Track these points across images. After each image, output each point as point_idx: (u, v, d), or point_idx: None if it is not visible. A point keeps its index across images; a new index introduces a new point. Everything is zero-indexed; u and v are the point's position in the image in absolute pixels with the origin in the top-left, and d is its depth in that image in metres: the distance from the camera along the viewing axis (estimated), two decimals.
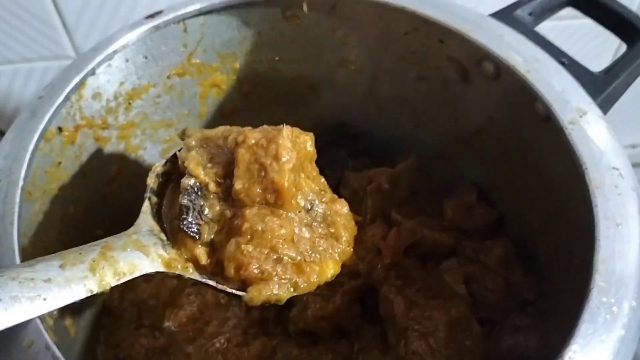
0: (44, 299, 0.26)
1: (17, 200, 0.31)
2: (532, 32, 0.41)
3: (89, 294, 0.28)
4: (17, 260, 0.29)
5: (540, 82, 0.35)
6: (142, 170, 0.46)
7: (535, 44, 0.38)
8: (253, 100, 0.49)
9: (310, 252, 0.33)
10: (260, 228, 0.32)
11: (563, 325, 0.28)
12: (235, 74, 0.47)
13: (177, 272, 0.32)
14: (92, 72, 0.38)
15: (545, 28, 0.44)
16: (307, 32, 0.45)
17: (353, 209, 0.36)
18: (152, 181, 0.36)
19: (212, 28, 0.43)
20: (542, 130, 0.38)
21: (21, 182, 0.31)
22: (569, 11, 0.45)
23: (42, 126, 0.34)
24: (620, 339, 0.26)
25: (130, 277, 0.30)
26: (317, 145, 0.39)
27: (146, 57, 0.41)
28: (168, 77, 0.43)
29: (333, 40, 0.46)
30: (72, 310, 0.40)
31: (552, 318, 0.35)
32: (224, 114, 0.48)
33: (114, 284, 0.29)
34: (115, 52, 0.38)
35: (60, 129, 0.37)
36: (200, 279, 0.33)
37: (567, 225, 0.34)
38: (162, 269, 0.32)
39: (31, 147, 0.33)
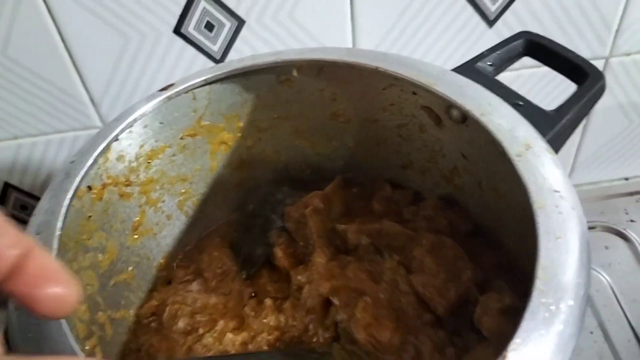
0: None
1: (55, 247, 0.37)
2: (493, 81, 0.48)
3: None
4: None
5: (492, 124, 0.41)
6: (160, 220, 0.53)
7: (491, 92, 0.45)
8: (257, 153, 0.56)
9: None
10: None
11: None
12: (240, 132, 0.54)
13: None
14: (116, 139, 0.45)
15: (510, 77, 0.51)
16: (300, 92, 0.52)
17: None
18: None
19: (217, 95, 0.50)
20: (503, 164, 0.44)
21: (57, 232, 0.38)
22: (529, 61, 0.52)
23: (74, 185, 0.41)
24: (559, 333, 0.31)
25: None
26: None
27: (162, 123, 0.48)
28: (181, 138, 0.50)
29: (323, 98, 0.53)
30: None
31: None
32: (232, 167, 0.55)
33: None
34: (134, 120, 0.45)
35: (89, 188, 0.44)
36: None
37: (526, 242, 0.40)
38: None
39: (66, 202, 0.40)
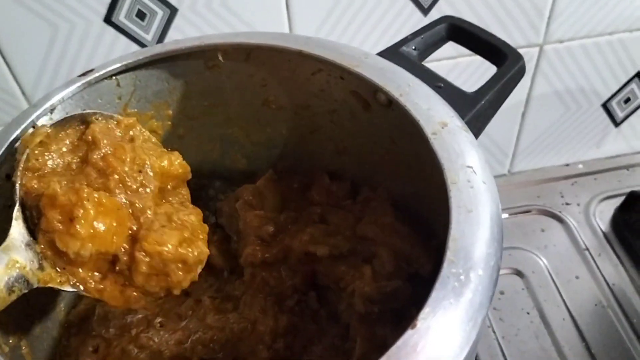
0: None
1: None
2: (417, 65, 0.48)
3: None
4: None
5: (410, 103, 0.41)
6: None
7: (413, 74, 0.45)
8: (190, 142, 0.55)
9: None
10: None
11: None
12: (169, 120, 0.53)
13: (54, 286, 0.37)
14: (33, 125, 0.44)
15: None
16: (229, 78, 0.52)
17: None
18: (19, 179, 0.38)
19: (142, 81, 0.49)
20: (428, 146, 0.44)
21: None
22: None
23: None
24: (469, 301, 0.32)
25: (10, 301, 0.34)
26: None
27: (83, 110, 0.48)
28: None
29: (253, 84, 0.52)
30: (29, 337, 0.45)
31: None
32: None
33: None
34: (52, 106, 0.44)
35: (8, 176, 0.43)
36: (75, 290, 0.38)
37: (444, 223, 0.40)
38: (39, 285, 0.36)
39: None
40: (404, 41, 0.50)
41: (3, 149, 0.41)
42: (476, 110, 0.45)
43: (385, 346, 0.47)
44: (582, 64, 0.75)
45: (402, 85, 0.43)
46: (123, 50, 0.63)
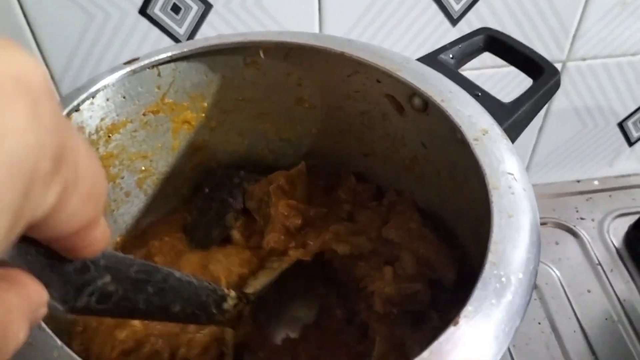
0: None
1: None
2: (454, 73, 0.49)
3: None
4: None
5: (452, 109, 0.42)
6: (118, 197, 0.53)
7: (451, 81, 0.46)
8: (220, 134, 0.56)
9: None
10: None
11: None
12: (203, 112, 0.54)
13: None
14: (77, 109, 0.45)
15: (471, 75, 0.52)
16: (266, 75, 0.53)
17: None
18: None
19: (182, 73, 0.50)
20: (462, 152, 0.45)
21: None
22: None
23: None
24: (509, 303, 0.33)
25: None
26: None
27: (124, 97, 0.48)
28: (144, 114, 0.50)
29: (289, 82, 0.53)
30: None
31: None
32: (194, 147, 0.55)
33: None
34: (97, 91, 0.45)
35: None
36: None
37: (480, 228, 0.41)
38: None
39: None
40: (442, 49, 0.51)
41: None
42: (512, 120, 0.45)
43: (404, 346, 0.48)
44: (602, 82, 0.76)
45: (444, 91, 0.44)
46: (154, 43, 0.63)
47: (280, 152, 0.59)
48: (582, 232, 0.69)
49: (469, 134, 0.40)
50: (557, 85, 0.50)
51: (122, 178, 0.52)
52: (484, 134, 0.41)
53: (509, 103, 0.47)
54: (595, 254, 0.67)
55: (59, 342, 0.30)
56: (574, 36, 0.72)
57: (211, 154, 0.57)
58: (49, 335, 0.30)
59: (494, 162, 0.39)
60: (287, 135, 0.58)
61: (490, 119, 0.42)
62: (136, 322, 0.47)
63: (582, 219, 0.71)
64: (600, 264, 0.67)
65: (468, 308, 0.32)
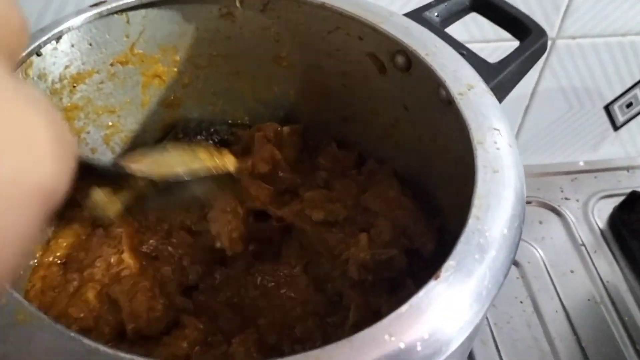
0: None
1: None
2: (438, 30, 0.47)
3: None
4: None
5: (437, 63, 0.40)
6: (83, 152, 0.49)
7: (437, 36, 0.44)
8: (193, 92, 0.53)
9: None
10: None
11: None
12: (175, 66, 0.51)
13: None
14: (38, 53, 0.42)
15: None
16: (242, 29, 0.50)
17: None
18: None
19: (153, 21, 0.47)
20: (445, 113, 0.43)
21: None
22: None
23: None
24: (492, 259, 0.30)
25: None
26: None
27: (90, 44, 0.45)
28: (111, 64, 0.47)
29: (266, 37, 0.51)
30: None
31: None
32: (165, 104, 0.52)
33: None
34: (61, 33, 0.42)
35: None
36: None
37: (462, 185, 0.39)
38: None
39: None
40: (427, 7, 0.48)
41: None
42: (498, 80, 0.43)
43: (379, 314, 0.45)
44: (590, 62, 0.75)
45: (429, 46, 0.41)
46: None
47: (257, 114, 0.57)
48: (567, 212, 0.68)
49: (454, 89, 0.38)
50: (543, 48, 0.48)
51: (88, 133, 0.49)
52: (469, 89, 0.38)
53: (495, 63, 0.45)
54: (579, 234, 0.66)
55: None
56: (565, 12, 0.70)
57: (183, 113, 0.54)
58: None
59: (479, 118, 0.37)
60: (263, 96, 0.55)
61: (476, 75, 0.40)
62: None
63: (566, 199, 0.69)
64: (584, 244, 0.65)
65: (450, 262, 0.29)
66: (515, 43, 0.49)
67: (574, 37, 0.72)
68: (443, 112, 0.44)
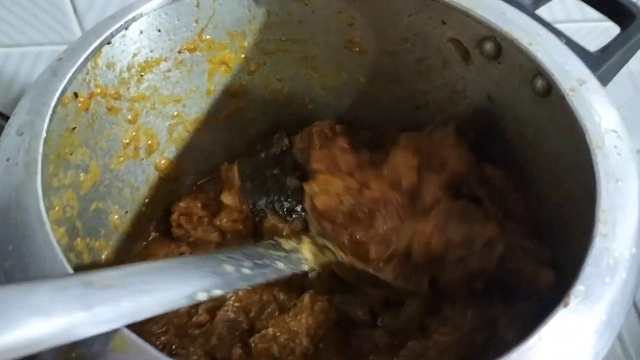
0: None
1: (40, 150, 0.32)
2: (532, 14, 0.43)
3: None
4: (42, 208, 0.30)
5: (542, 54, 0.37)
6: (149, 144, 0.47)
7: (537, 23, 0.40)
8: (258, 80, 0.50)
9: None
10: None
11: (565, 273, 0.29)
12: (243, 52, 0.48)
13: None
14: (108, 41, 0.39)
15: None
16: (315, 13, 0.47)
17: None
18: None
19: (223, 5, 0.44)
20: (538, 106, 0.40)
21: (44, 134, 0.32)
22: None
23: (62, 85, 0.35)
24: (623, 281, 0.28)
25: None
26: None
27: (159, 30, 0.42)
28: (179, 51, 0.44)
29: (339, 21, 0.47)
30: None
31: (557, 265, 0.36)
32: (230, 93, 0.50)
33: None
34: (132, 19, 0.39)
35: (75, 95, 0.38)
36: None
37: (569, 189, 0.36)
38: None
39: (53, 103, 0.34)
40: None
41: (81, 61, 0.36)
42: (601, 71, 0.40)
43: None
44: None
45: (532, 34, 0.38)
46: None
47: (322, 102, 0.54)
48: None
49: (565, 84, 0.35)
50: None
51: (154, 124, 0.47)
52: (580, 84, 0.35)
53: (597, 52, 0.41)
54: None
55: None
56: None
57: (247, 102, 0.51)
58: None
59: (595, 117, 0.33)
60: (331, 83, 0.52)
61: (586, 68, 0.37)
62: None
63: None
64: None
65: (579, 287, 0.27)
66: (605, 24, 0.45)
67: None
68: (536, 106, 0.41)
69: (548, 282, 0.34)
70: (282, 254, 0.40)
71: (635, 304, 0.58)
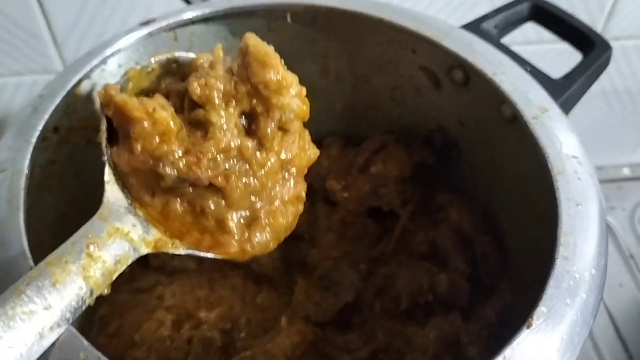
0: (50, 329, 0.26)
1: (22, 186, 0.32)
2: (498, 44, 0.45)
3: (85, 306, 0.28)
4: (25, 243, 0.30)
5: (506, 84, 0.38)
6: None
7: (501, 52, 0.42)
8: None
9: None
10: None
11: (527, 294, 0.30)
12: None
13: (167, 251, 0.33)
14: (88, 76, 0.40)
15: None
16: (291, 43, 0.48)
17: None
18: (104, 139, 0.34)
19: (200, 37, 0.46)
20: (506, 131, 0.41)
21: (25, 171, 0.33)
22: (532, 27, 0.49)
23: (43, 122, 0.36)
24: (584, 302, 0.29)
25: (119, 272, 0.30)
26: None
27: (137, 64, 0.44)
28: None
29: (314, 51, 0.49)
30: None
31: (517, 289, 0.38)
32: None
33: (105, 288, 0.29)
34: (111, 55, 0.40)
35: (56, 128, 0.39)
36: (191, 252, 0.33)
37: (534, 213, 0.37)
38: (150, 251, 0.32)
39: (34, 140, 0.35)
40: (484, 18, 0.46)
41: (60, 98, 0.37)
42: (564, 98, 0.41)
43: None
44: (633, 64, 0.73)
45: (495, 64, 0.40)
46: (165, 5, 0.58)
47: None
48: (613, 223, 0.66)
49: (527, 112, 0.36)
50: (607, 62, 0.46)
51: None
52: (542, 112, 0.37)
53: (560, 79, 0.43)
54: (626, 246, 0.64)
55: (85, 342, 0.26)
56: (609, 14, 0.68)
57: None
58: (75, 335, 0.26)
59: (556, 144, 0.35)
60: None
61: (548, 97, 0.38)
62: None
63: (612, 208, 0.67)
64: (632, 256, 0.63)
65: (541, 309, 0.28)
66: (561, 45, 0.47)
67: (617, 39, 0.70)
68: (504, 131, 0.42)
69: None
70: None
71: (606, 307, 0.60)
